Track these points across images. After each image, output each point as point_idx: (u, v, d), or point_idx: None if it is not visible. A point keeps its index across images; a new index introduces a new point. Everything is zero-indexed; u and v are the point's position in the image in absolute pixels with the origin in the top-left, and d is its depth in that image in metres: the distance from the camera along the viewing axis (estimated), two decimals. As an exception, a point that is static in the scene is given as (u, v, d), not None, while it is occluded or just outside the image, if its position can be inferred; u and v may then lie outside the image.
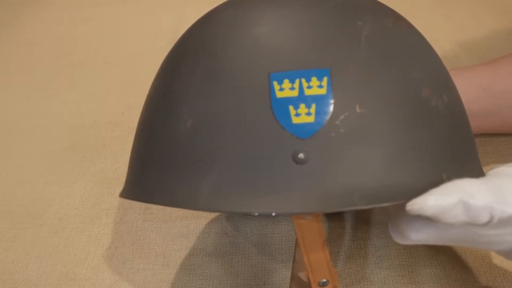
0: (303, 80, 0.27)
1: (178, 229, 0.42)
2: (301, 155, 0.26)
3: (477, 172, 0.31)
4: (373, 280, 0.37)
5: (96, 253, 0.41)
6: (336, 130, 0.26)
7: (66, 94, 0.60)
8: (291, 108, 0.27)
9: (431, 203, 0.25)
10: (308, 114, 0.27)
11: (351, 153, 0.26)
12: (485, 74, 0.43)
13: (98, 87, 0.61)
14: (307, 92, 0.27)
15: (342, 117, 0.27)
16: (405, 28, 0.31)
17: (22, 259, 0.42)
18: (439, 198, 0.25)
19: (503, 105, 0.42)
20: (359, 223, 0.41)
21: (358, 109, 0.27)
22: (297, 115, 0.27)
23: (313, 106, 0.27)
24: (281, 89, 0.27)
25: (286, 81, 0.27)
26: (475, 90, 0.43)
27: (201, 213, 0.43)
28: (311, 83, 0.27)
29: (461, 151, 0.30)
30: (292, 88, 0.27)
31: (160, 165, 0.29)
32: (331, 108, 0.27)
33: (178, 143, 0.29)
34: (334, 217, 0.42)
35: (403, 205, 0.26)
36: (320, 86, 0.27)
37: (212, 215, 0.43)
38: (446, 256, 0.38)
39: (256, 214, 0.26)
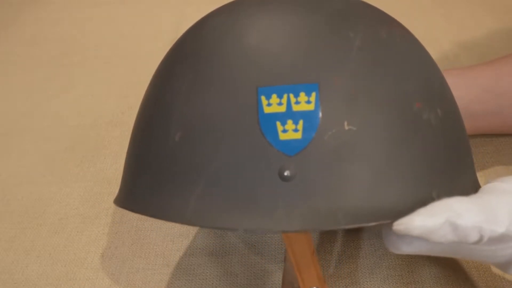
0: (291, 96, 0.26)
1: (178, 229, 0.42)
2: (287, 172, 0.26)
3: (471, 187, 0.31)
4: (373, 280, 0.37)
5: (96, 253, 0.41)
6: (323, 147, 0.26)
7: (66, 94, 0.60)
8: (278, 124, 0.26)
9: (417, 224, 0.25)
10: (295, 130, 0.26)
11: (337, 171, 0.26)
12: (486, 74, 0.43)
13: (98, 87, 0.61)
14: (295, 108, 0.26)
15: (329, 133, 0.26)
16: (399, 38, 0.30)
17: (22, 259, 0.42)
18: (426, 219, 0.25)
19: (504, 105, 0.42)
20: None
21: (346, 126, 0.26)
22: (284, 131, 0.26)
23: (301, 122, 0.26)
24: (269, 104, 0.26)
25: (274, 96, 0.26)
26: (476, 90, 0.42)
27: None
28: (299, 99, 0.26)
29: (454, 166, 0.29)
30: (280, 104, 0.26)
31: (150, 177, 0.29)
32: (319, 124, 0.26)
33: (167, 155, 0.28)
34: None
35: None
36: (308, 102, 0.26)
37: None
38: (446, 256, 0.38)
39: (241, 231, 0.26)
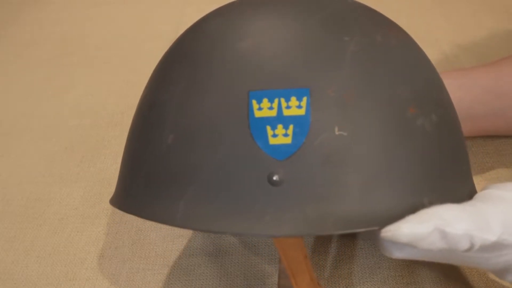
0: (282, 100, 0.26)
1: (178, 229, 0.42)
2: (276, 177, 0.26)
3: (467, 195, 0.30)
4: (373, 280, 0.37)
5: (96, 253, 0.41)
6: (312, 152, 0.26)
7: (66, 94, 0.60)
8: (268, 128, 0.26)
9: (405, 231, 0.24)
10: (285, 135, 0.26)
11: (327, 177, 0.26)
12: (488, 75, 0.43)
13: (98, 87, 0.61)
14: (286, 112, 0.26)
15: (319, 139, 0.26)
16: (395, 42, 0.30)
17: (22, 259, 0.42)
18: (413, 226, 0.25)
19: (506, 106, 0.42)
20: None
21: (336, 131, 0.26)
22: (274, 136, 0.26)
23: (291, 127, 0.26)
24: (260, 109, 0.26)
25: (265, 100, 0.26)
26: (478, 91, 0.42)
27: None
28: (290, 103, 0.26)
29: (448, 173, 0.29)
30: (271, 108, 0.26)
31: (142, 179, 0.29)
32: (309, 129, 0.26)
33: (160, 158, 0.29)
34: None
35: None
36: (299, 107, 0.26)
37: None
38: (446, 256, 0.38)
39: (229, 234, 0.26)
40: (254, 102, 0.26)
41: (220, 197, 0.26)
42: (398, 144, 0.27)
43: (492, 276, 0.36)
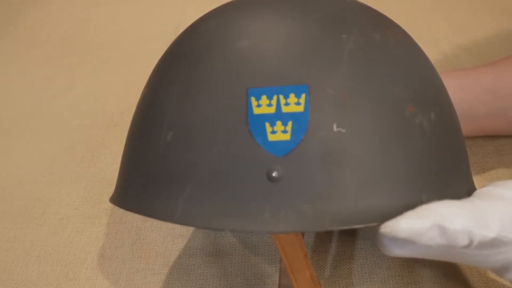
0: (281, 97, 0.26)
1: (178, 229, 0.42)
2: (275, 174, 0.26)
3: (466, 193, 0.30)
4: (373, 280, 0.37)
5: (96, 253, 0.41)
6: (311, 149, 0.26)
7: (66, 94, 0.60)
8: (267, 125, 0.26)
9: (403, 227, 0.25)
10: (284, 132, 0.26)
11: (326, 173, 0.26)
12: (489, 75, 0.43)
13: (98, 87, 0.61)
14: (284, 109, 0.26)
15: (318, 135, 0.26)
16: (394, 41, 0.30)
17: (22, 259, 0.42)
18: (412, 222, 0.25)
19: (507, 106, 0.42)
20: (359, 223, 0.41)
21: (335, 128, 0.26)
22: (273, 132, 0.26)
23: (290, 123, 0.26)
24: (258, 105, 0.27)
25: (263, 97, 0.27)
26: (479, 92, 0.42)
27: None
28: (288, 100, 0.26)
29: (447, 171, 0.29)
30: (270, 105, 0.26)
31: (142, 176, 0.30)
32: (308, 126, 0.26)
33: (159, 156, 0.29)
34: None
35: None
36: (298, 103, 0.26)
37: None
38: (446, 256, 0.38)
39: (227, 231, 0.26)
40: (252, 99, 0.27)
41: (220, 193, 0.26)
42: (397, 141, 0.27)
43: (491, 275, 0.36)
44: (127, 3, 0.79)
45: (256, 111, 0.26)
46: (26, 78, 0.64)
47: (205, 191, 0.27)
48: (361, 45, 0.28)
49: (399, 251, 0.27)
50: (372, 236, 0.40)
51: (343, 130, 0.26)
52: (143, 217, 0.44)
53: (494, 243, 0.26)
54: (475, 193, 0.28)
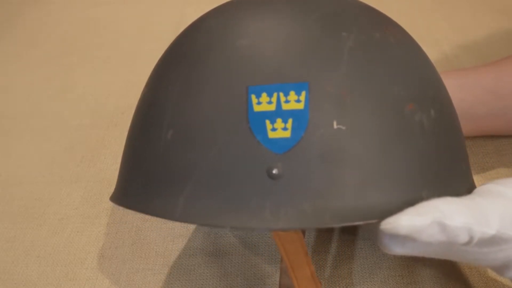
0: (281, 94, 0.27)
1: (178, 229, 0.42)
2: (275, 171, 0.26)
3: (466, 189, 0.30)
4: (373, 280, 0.37)
5: (96, 253, 0.41)
6: (311, 146, 0.26)
7: (66, 94, 0.60)
8: (267, 122, 0.26)
9: (404, 223, 0.24)
10: (285, 129, 0.26)
11: (325, 170, 0.26)
12: (489, 75, 0.43)
13: (98, 87, 0.61)
14: (285, 106, 0.26)
15: (318, 133, 0.26)
16: (394, 39, 0.30)
17: (22, 259, 0.42)
18: (413, 218, 0.25)
19: (508, 106, 0.42)
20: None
21: (335, 126, 0.26)
22: (274, 129, 0.26)
23: (290, 121, 0.26)
24: (259, 103, 0.27)
25: (264, 94, 0.27)
26: (479, 92, 0.42)
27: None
28: (288, 98, 0.27)
29: (446, 168, 0.29)
30: (270, 102, 0.27)
31: (142, 174, 0.30)
32: (308, 123, 0.26)
33: (159, 154, 0.29)
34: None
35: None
36: (298, 101, 0.26)
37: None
38: (446, 256, 0.38)
39: (228, 228, 0.26)
40: (253, 96, 0.27)
41: (220, 191, 0.27)
42: (397, 138, 0.27)
43: (491, 274, 0.36)
44: (127, 3, 0.79)
45: (257, 108, 0.27)
46: (26, 78, 0.64)
47: (206, 188, 0.27)
48: (361, 44, 0.28)
49: (399, 249, 0.27)
50: (372, 236, 0.40)
51: (343, 128, 0.26)
52: (143, 217, 0.44)
53: (494, 240, 0.26)
54: (475, 190, 0.29)
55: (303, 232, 0.32)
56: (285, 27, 0.29)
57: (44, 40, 0.72)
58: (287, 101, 0.26)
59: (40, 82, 0.63)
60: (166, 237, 0.42)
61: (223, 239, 0.41)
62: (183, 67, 0.30)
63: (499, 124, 0.43)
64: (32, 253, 0.42)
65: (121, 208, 0.45)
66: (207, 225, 0.27)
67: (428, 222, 0.25)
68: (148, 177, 0.29)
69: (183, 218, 0.27)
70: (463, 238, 0.25)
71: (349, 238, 0.40)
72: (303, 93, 0.27)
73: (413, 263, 0.38)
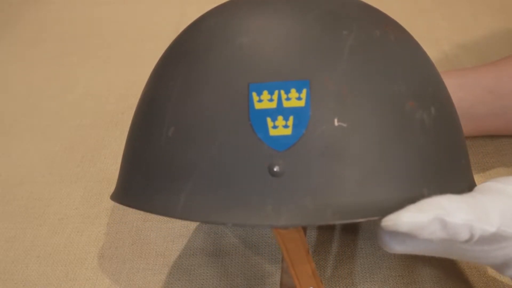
0: (282, 92, 0.27)
1: (178, 229, 0.42)
2: (276, 168, 0.26)
3: (467, 187, 0.30)
4: (373, 280, 0.37)
5: (96, 253, 0.41)
6: (312, 143, 0.26)
7: (66, 94, 0.60)
8: (268, 120, 0.26)
9: (405, 220, 0.25)
10: (286, 126, 0.26)
11: (326, 168, 0.26)
12: (489, 75, 0.43)
13: (98, 87, 0.61)
14: (286, 104, 0.26)
15: (319, 130, 0.26)
16: (394, 38, 0.30)
17: (22, 259, 0.42)
18: (414, 215, 0.25)
19: (508, 106, 0.42)
20: (359, 223, 0.41)
21: (336, 123, 0.26)
22: (275, 127, 0.26)
23: (291, 118, 0.26)
24: (260, 101, 0.27)
25: (265, 92, 0.27)
26: (480, 91, 0.42)
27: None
28: (289, 95, 0.27)
29: (448, 164, 0.29)
30: (271, 100, 0.27)
31: (143, 173, 0.30)
32: (309, 121, 0.26)
33: (160, 151, 0.29)
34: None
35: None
36: (299, 98, 0.27)
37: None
38: (446, 256, 0.38)
39: (229, 225, 0.26)
40: (254, 94, 0.27)
41: (221, 188, 0.27)
42: (397, 136, 0.27)
43: (491, 274, 0.36)
44: (127, 3, 0.79)
45: (258, 106, 0.27)
46: (26, 78, 0.64)
47: (207, 186, 0.27)
48: (361, 42, 0.28)
49: (399, 247, 0.27)
50: (372, 236, 0.40)
51: (344, 125, 0.26)
52: (143, 217, 0.44)
53: (494, 238, 0.26)
54: (476, 188, 0.29)
55: (304, 229, 0.32)
56: (286, 25, 0.29)
57: (44, 40, 0.72)
58: (288, 99, 0.27)
59: (40, 82, 0.63)
60: (166, 237, 0.42)
61: (223, 239, 0.41)
62: (184, 65, 0.30)
63: (499, 124, 0.43)
64: (32, 253, 0.42)
65: (121, 207, 0.45)
66: (209, 222, 0.27)
67: (429, 219, 0.25)
68: (149, 174, 0.29)
69: (184, 215, 0.27)
70: (464, 235, 0.25)
71: (349, 238, 0.40)
72: (304, 91, 0.27)
73: (413, 263, 0.38)
